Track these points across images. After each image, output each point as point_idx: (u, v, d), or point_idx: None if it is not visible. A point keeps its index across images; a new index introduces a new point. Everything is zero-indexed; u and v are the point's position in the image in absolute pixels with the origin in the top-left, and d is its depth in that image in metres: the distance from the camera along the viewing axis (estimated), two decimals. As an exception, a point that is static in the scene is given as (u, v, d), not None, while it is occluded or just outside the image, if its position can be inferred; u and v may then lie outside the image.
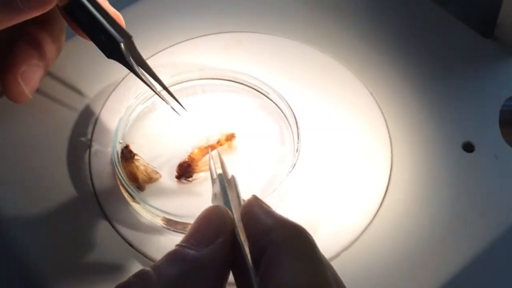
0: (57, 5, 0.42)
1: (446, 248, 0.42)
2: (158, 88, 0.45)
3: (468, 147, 0.46)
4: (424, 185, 0.45)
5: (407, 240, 0.42)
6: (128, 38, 0.43)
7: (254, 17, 0.54)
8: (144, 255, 0.41)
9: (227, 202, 0.35)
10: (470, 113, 0.47)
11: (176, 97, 0.45)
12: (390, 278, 0.40)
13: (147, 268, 0.30)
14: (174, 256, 0.31)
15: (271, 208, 0.33)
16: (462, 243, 0.42)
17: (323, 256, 0.31)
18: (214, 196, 0.36)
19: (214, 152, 0.44)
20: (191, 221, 0.34)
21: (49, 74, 0.49)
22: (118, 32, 0.43)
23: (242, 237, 0.32)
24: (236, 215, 0.33)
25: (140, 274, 0.30)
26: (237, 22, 0.53)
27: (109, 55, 0.44)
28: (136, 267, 0.41)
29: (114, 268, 0.40)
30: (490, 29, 0.52)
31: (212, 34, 0.52)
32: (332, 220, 0.43)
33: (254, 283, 0.29)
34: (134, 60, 0.43)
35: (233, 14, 0.54)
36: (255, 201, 0.33)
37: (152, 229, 0.42)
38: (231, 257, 0.32)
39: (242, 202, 0.34)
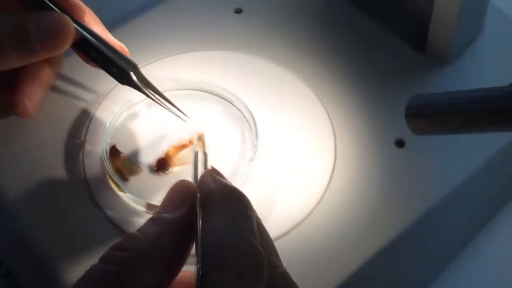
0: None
1: (378, 228, 0.45)
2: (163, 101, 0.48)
3: (400, 143, 0.49)
4: (362, 177, 0.47)
5: (347, 221, 0.45)
6: (134, 67, 0.47)
7: (222, 35, 0.56)
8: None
9: (195, 175, 0.40)
10: (401, 115, 0.47)
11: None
12: (329, 253, 0.44)
13: (134, 231, 0.33)
14: (153, 220, 0.34)
15: (222, 177, 0.35)
16: (391, 224, 0.45)
17: (254, 214, 0.33)
18: None
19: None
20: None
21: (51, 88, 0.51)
22: (126, 63, 0.46)
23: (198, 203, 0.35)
24: None
25: (130, 235, 0.33)
26: (202, 41, 0.55)
27: (122, 83, 0.47)
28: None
29: (103, 247, 0.40)
30: (422, 44, 0.54)
31: (182, 53, 0.55)
32: (284, 203, 0.45)
33: (199, 238, 0.32)
34: (143, 83, 0.47)
35: (200, 34, 0.56)
36: (209, 172, 0.36)
37: (136, 214, 0.45)
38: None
39: None
